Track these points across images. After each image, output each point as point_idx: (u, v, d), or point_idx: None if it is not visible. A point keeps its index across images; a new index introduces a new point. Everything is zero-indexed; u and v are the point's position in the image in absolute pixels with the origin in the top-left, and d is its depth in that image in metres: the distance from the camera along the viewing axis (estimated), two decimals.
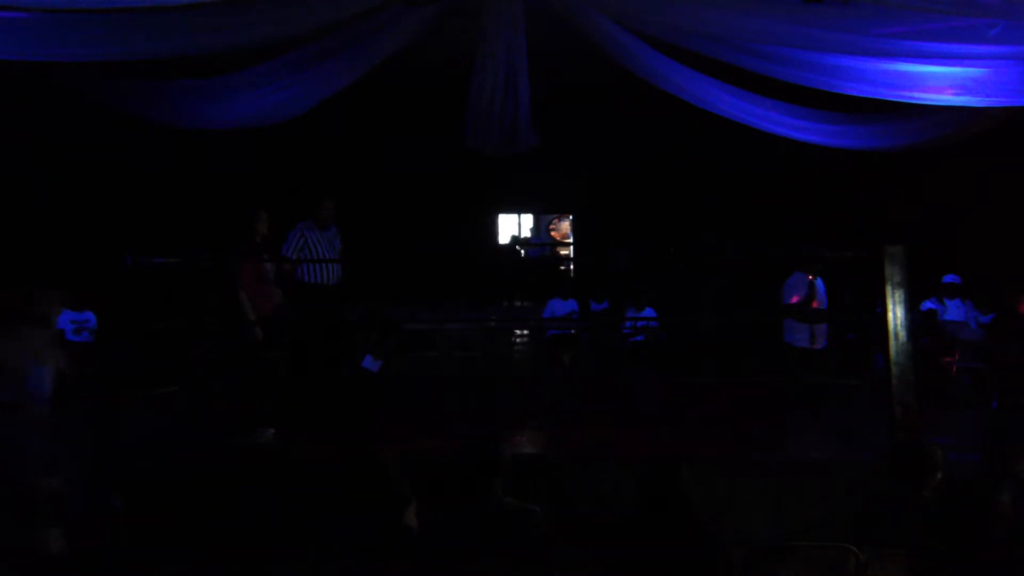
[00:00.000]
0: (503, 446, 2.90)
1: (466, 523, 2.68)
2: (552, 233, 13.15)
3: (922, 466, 3.08)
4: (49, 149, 8.10)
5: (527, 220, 13.02)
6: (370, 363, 7.11)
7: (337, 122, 7.85)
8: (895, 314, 4.35)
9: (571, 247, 12.64)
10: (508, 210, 12.57)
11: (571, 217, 12.57)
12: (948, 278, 8.28)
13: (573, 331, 9.13)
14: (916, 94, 4.78)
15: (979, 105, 4.84)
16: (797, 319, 6.33)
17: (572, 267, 12.15)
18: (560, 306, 9.10)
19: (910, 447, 3.43)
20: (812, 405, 6.06)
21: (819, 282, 6.41)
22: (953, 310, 8.26)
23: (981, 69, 4.54)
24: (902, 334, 4.35)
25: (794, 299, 6.38)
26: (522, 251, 12.35)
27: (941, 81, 4.62)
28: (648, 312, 8.91)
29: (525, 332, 9.55)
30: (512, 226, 12.88)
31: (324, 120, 6.39)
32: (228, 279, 5.65)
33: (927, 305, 8.24)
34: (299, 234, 6.15)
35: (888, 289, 4.37)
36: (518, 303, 10.43)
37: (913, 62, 4.58)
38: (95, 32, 4.33)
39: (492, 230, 12.34)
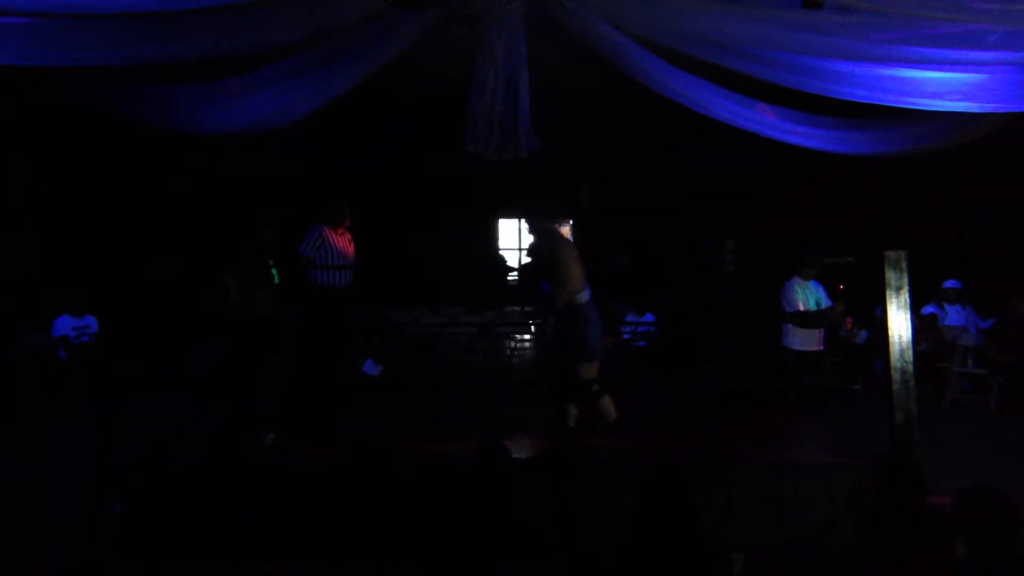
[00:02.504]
0: (510, 452, 2.89)
1: (471, 528, 2.67)
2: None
3: (906, 482, 3.06)
4: (50, 153, 8.12)
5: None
6: (371, 367, 7.13)
7: (337, 126, 7.87)
8: (896, 319, 4.36)
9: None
10: (508, 215, 12.59)
11: (571, 222, 12.58)
12: (949, 283, 8.30)
13: None
14: (915, 100, 4.78)
15: (979, 111, 4.84)
16: (800, 325, 6.37)
17: None
18: None
19: (894, 462, 3.41)
20: (813, 408, 6.07)
21: (817, 285, 6.45)
22: (953, 315, 8.27)
23: (980, 75, 4.55)
24: (903, 339, 4.36)
25: (799, 307, 6.41)
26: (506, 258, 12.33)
27: (940, 87, 4.62)
28: (649, 318, 8.94)
29: (526, 336, 9.55)
30: (512, 231, 12.89)
31: (324, 124, 6.41)
32: (228, 283, 5.68)
33: (928, 310, 8.25)
34: (317, 234, 6.21)
35: (889, 294, 4.38)
36: (517, 308, 10.43)
37: (912, 68, 4.59)
38: (95, 37, 4.34)
39: (492, 235, 12.35)
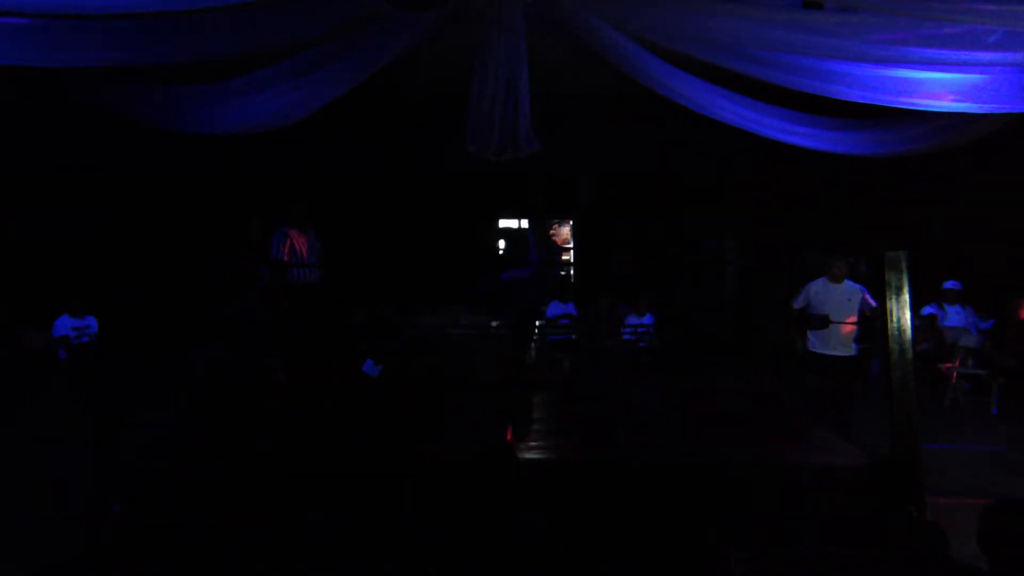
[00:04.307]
0: (515, 455, 2.88)
1: (474, 532, 2.66)
2: (552, 238, 13.16)
3: (906, 483, 3.06)
4: (48, 153, 8.12)
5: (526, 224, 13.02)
6: (370, 367, 7.12)
7: (337, 127, 7.87)
8: (895, 319, 4.36)
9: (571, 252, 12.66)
10: (508, 215, 12.60)
11: (571, 222, 12.59)
12: (949, 284, 8.30)
13: (573, 336, 9.15)
14: (915, 100, 4.79)
15: (978, 111, 4.85)
16: (806, 325, 6.29)
17: (572, 272, 12.17)
18: (559, 307, 9.15)
19: (893, 462, 3.40)
20: (814, 409, 6.05)
21: (856, 287, 6.16)
22: (953, 316, 8.28)
23: (980, 75, 4.55)
24: (903, 340, 4.36)
25: (794, 305, 6.38)
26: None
27: (940, 87, 4.63)
28: (648, 318, 8.94)
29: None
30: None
31: (323, 125, 6.42)
32: (224, 284, 5.70)
33: (927, 310, 8.25)
34: (283, 236, 6.26)
35: (888, 295, 4.38)
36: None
37: (912, 68, 4.59)
38: (97, 38, 4.35)
39: (492, 234, 12.35)
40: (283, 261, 6.25)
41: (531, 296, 5.24)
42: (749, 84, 5.39)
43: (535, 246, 5.65)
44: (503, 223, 12.62)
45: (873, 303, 5.95)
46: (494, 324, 8.96)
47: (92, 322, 7.74)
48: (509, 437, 4.78)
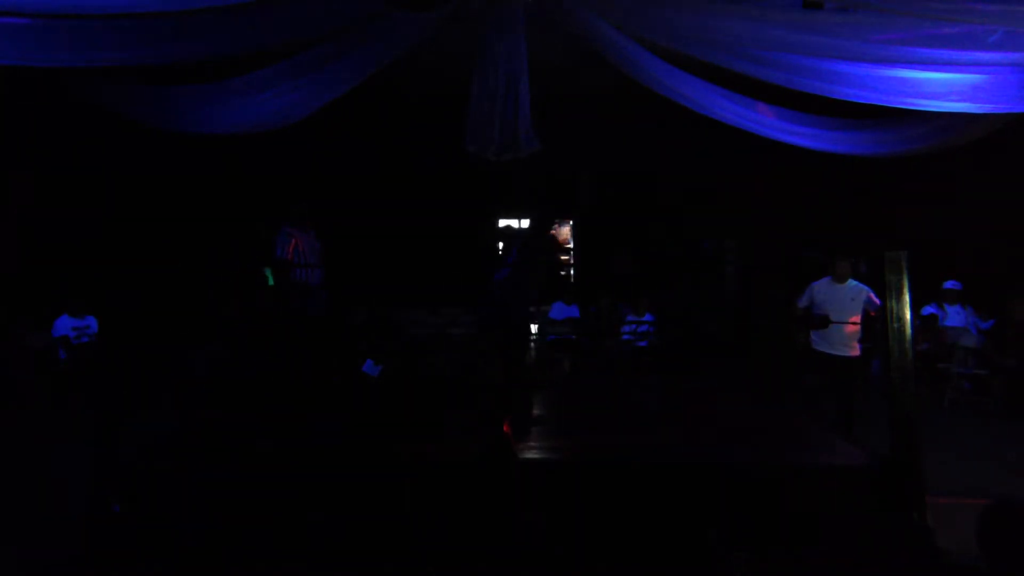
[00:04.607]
0: (515, 455, 2.88)
1: (474, 532, 2.67)
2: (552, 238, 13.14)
3: (906, 483, 3.06)
4: (48, 153, 8.12)
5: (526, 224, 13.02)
6: (370, 367, 7.12)
7: (337, 127, 7.88)
8: (895, 319, 4.36)
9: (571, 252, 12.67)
10: (508, 215, 12.60)
11: (571, 222, 12.60)
12: (949, 284, 8.31)
13: (573, 336, 9.15)
14: (916, 100, 4.79)
15: (978, 111, 4.85)
16: (808, 325, 6.29)
17: (572, 272, 12.18)
18: (563, 310, 9.16)
19: (894, 462, 3.40)
20: (814, 409, 6.05)
21: (860, 286, 6.14)
22: (953, 316, 8.28)
23: (980, 75, 4.56)
24: (902, 340, 4.36)
25: (798, 305, 6.38)
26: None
27: (940, 87, 4.63)
28: (648, 318, 8.95)
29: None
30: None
31: (323, 125, 6.42)
32: (226, 283, 5.72)
33: (927, 310, 8.26)
34: (288, 236, 6.27)
35: (888, 295, 4.37)
36: None
37: (913, 68, 4.59)
38: (97, 38, 4.35)
39: (492, 234, 12.36)
40: (288, 260, 6.27)
41: (530, 295, 5.27)
42: (749, 84, 5.39)
43: (520, 244, 5.70)
44: (503, 223, 12.63)
45: (878, 302, 5.91)
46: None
47: (92, 322, 7.75)
48: (508, 436, 4.77)
